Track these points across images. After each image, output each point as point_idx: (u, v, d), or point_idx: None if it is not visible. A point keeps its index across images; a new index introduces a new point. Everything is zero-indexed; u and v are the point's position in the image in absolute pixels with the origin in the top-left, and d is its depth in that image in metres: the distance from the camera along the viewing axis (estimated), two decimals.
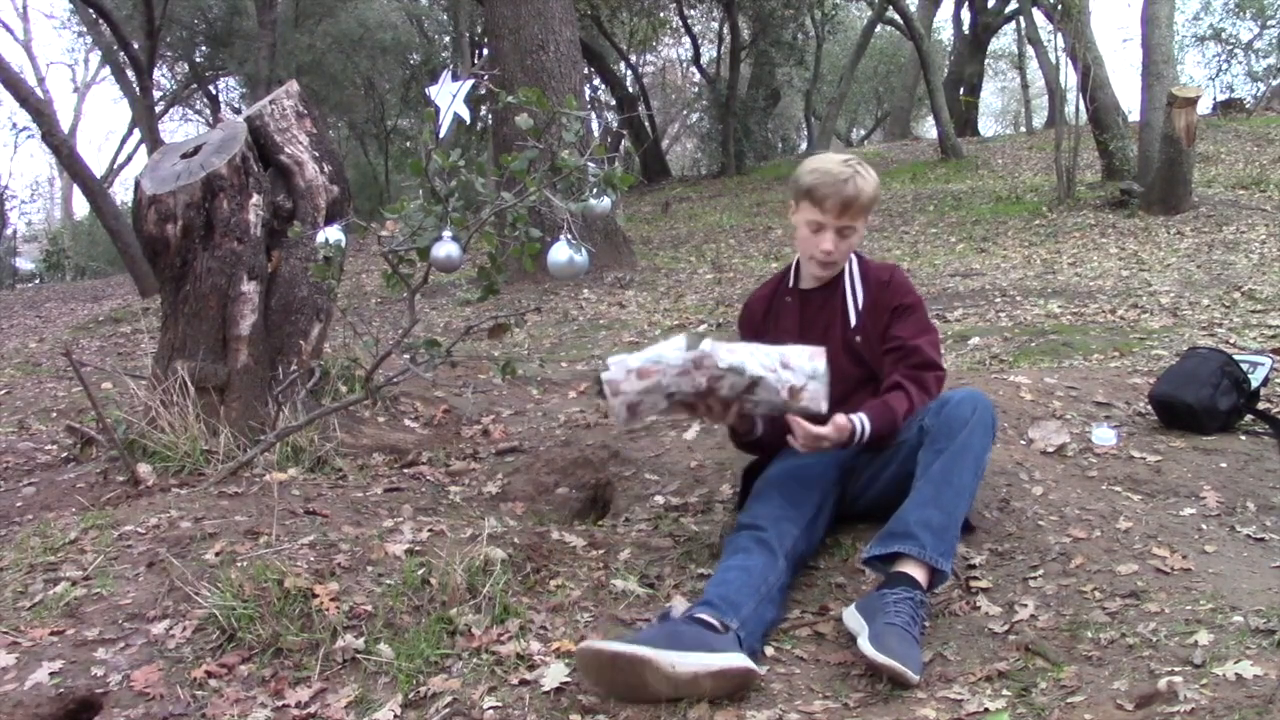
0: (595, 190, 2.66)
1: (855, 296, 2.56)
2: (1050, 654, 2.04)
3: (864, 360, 2.54)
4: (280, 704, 2.02)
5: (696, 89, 24.35)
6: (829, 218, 2.46)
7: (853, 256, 2.60)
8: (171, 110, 22.60)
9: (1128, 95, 30.80)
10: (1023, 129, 24.93)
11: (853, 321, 2.55)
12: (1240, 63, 19.50)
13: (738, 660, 1.96)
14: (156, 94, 17.60)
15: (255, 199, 3.34)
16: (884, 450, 2.47)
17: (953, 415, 2.30)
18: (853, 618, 2.14)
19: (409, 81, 20.53)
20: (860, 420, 2.37)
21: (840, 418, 2.34)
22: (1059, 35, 11.24)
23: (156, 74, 17.21)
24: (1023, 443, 3.01)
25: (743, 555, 2.28)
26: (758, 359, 2.28)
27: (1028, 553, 2.42)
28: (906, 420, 2.43)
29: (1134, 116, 11.16)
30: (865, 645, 2.00)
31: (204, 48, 20.23)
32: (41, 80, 28.35)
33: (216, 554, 2.44)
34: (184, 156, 3.34)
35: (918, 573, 2.16)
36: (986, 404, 2.35)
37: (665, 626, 2.06)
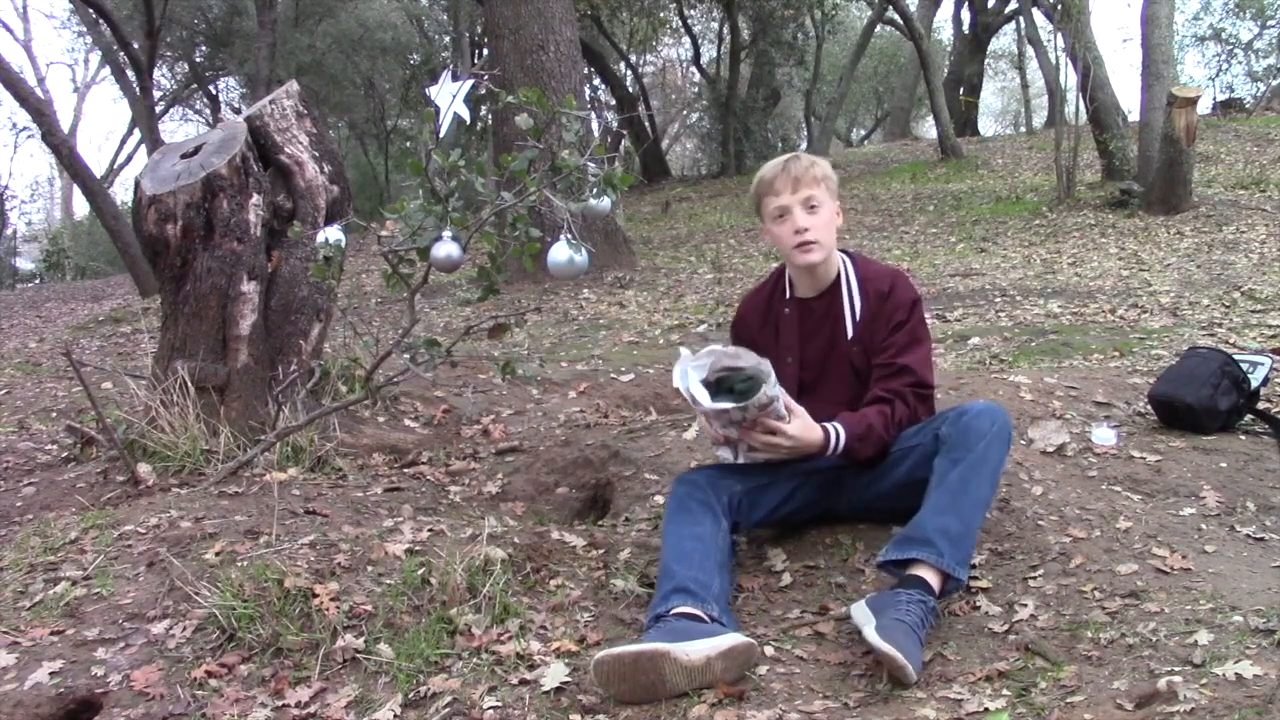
0: (595, 190, 2.65)
1: (854, 307, 2.50)
2: (1050, 654, 2.04)
3: (862, 374, 2.51)
4: (280, 704, 2.02)
5: (696, 89, 24.36)
6: (786, 195, 2.44)
7: (848, 260, 2.54)
8: (171, 110, 22.62)
9: (1128, 95, 30.79)
10: (1023, 129, 24.92)
11: (849, 333, 2.50)
12: (1240, 63, 19.49)
13: (737, 637, 2.07)
14: (156, 94, 17.59)
15: (255, 199, 3.34)
16: (874, 467, 2.46)
17: (971, 426, 2.29)
18: (861, 611, 2.14)
19: (409, 81, 20.53)
20: (835, 429, 2.37)
21: (813, 422, 2.34)
22: (1059, 35, 11.24)
23: (156, 74, 17.21)
24: (1023, 443, 3.01)
25: (690, 521, 2.32)
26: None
27: (1028, 553, 2.42)
28: (892, 433, 2.42)
29: (1134, 116, 11.17)
30: (871, 634, 2.01)
31: (204, 48, 20.24)
32: (41, 80, 28.37)
33: (216, 554, 2.44)
34: (184, 156, 3.34)
35: (932, 578, 2.16)
36: (1005, 419, 2.33)
37: (662, 626, 2.10)
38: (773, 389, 2.27)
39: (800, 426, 2.33)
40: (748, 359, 2.34)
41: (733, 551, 2.43)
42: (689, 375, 2.33)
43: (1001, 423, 2.31)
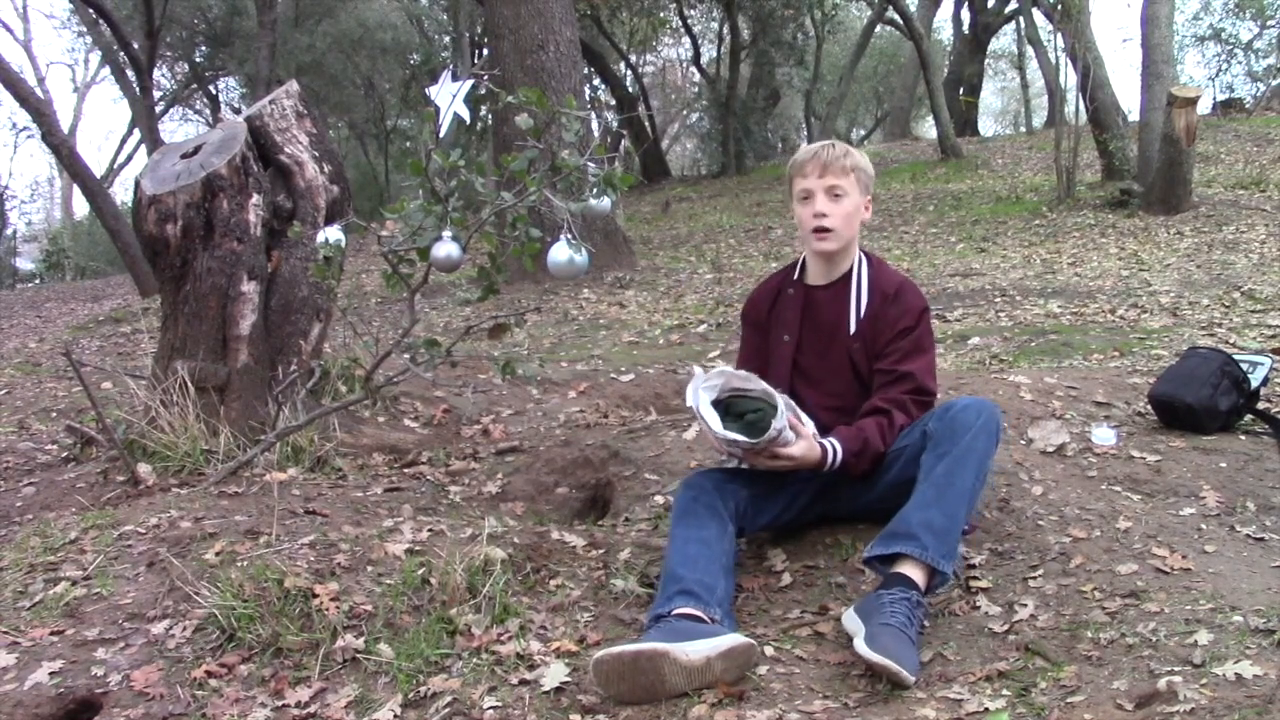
0: (595, 190, 2.66)
1: (859, 303, 2.52)
2: (1050, 654, 2.04)
3: (863, 374, 2.52)
4: (280, 704, 2.02)
5: (696, 89, 24.37)
6: (812, 179, 2.47)
7: (864, 257, 2.57)
8: (171, 110, 22.63)
9: (1128, 95, 30.84)
10: (1023, 129, 24.92)
11: (851, 328, 2.52)
12: (1240, 63, 19.50)
13: (737, 638, 2.06)
14: (156, 94, 17.60)
15: (255, 199, 3.34)
16: (867, 479, 2.47)
17: (958, 420, 2.29)
18: (851, 620, 2.15)
19: (409, 81, 20.54)
20: (833, 446, 2.38)
21: (814, 442, 2.36)
22: (1059, 35, 11.24)
23: (156, 74, 17.22)
24: (1023, 443, 3.01)
25: (696, 525, 2.33)
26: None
27: (1028, 553, 2.42)
28: (890, 444, 2.43)
29: (1134, 116, 11.18)
30: (860, 645, 2.01)
31: (204, 48, 20.25)
32: (41, 80, 28.39)
33: (216, 554, 2.44)
34: (184, 156, 3.34)
35: (916, 574, 2.16)
36: (993, 412, 2.33)
37: (663, 626, 2.09)
38: (781, 420, 2.28)
39: (804, 448, 2.34)
40: (757, 384, 2.36)
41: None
42: (700, 396, 2.35)
43: (988, 415, 2.31)
